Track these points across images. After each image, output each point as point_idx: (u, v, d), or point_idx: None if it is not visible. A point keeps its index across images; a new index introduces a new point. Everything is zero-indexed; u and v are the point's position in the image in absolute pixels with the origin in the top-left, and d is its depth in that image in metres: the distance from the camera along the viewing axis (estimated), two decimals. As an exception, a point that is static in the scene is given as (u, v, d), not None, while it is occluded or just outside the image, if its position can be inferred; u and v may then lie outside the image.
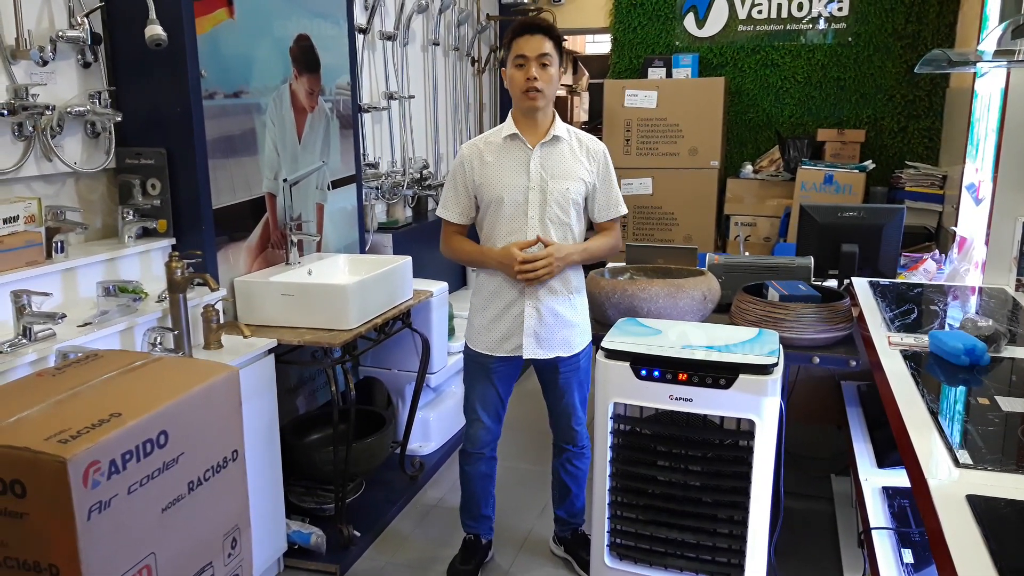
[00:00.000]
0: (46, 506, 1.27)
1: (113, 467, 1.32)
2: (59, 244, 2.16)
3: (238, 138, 2.66)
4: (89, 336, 2.03)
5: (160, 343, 2.23)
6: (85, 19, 2.21)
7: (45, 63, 2.14)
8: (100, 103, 2.30)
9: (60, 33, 2.16)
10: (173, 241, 2.47)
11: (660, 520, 2.04)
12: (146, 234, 2.45)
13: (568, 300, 2.41)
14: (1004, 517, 1.20)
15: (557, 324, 2.40)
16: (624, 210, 2.47)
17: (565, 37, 5.94)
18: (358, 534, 2.78)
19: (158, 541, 1.43)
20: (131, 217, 2.38)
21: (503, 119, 2.42)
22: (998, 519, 1.19)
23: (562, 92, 7.23)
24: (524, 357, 2.41)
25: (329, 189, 3.23)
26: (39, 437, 1.28)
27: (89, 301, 2.21)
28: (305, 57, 3.01)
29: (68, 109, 2.20)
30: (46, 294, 2.03)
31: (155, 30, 2.21)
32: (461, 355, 2.69)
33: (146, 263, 2.41)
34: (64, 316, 2.00)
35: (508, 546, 2.82)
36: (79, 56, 2.27)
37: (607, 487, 2.06)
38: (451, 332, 3.63)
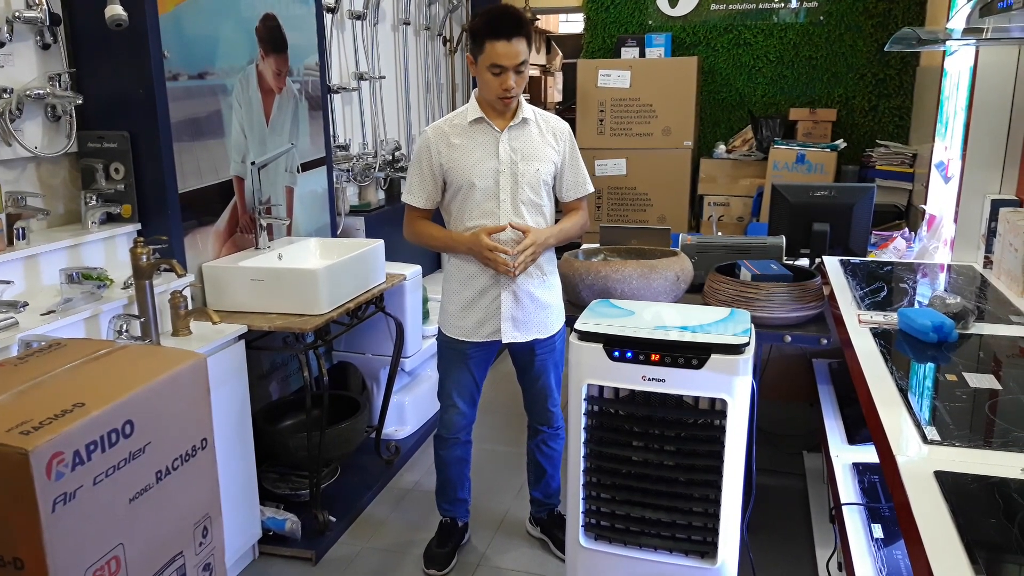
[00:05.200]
0: (9, 499, 1.24)
1: (77, 458, 1.29)
2: (20, 230, 2.11)
3: (204, 120, 2.61)
4: (52, 324, 1.99)
5: (126, 331, 2.19)
6: (43, -1, 2.15)
7: (2, 44, 2.08)
8: (60, 85, 2.25)
9: (17, 13, 2.10)
10: (138, 226, 2.43)
11: (634, 499, 2.05)
12: (110, 219, 2.40)
13: (543, 281, 2.41)
14: (971, 493, 1.21)
15: (534, 306, 2.39)
16: (591, 188, 2.46)
17: (537, 16, 5.86)
18: (333, 519, 2.77)
19: (126, 532, 1.41)
20: (94, 202, 2.33)
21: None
22: (965, 495, 1.20)
23: (536, 72, 7.18)
24: (503, 342, 2.40)
25: (299, 172, 3.19)
26: (0, 429, 1.25)
27: (52, 289, 2.17)
28: (272, 37, 2.95)
29: (27, 92, 2.14)
30: (7, 282, 1.99)
31: (115, 10, 2.15)
32: (435, 339, 2.67)
33: (111, 249, 2.37)
34: (26, 304, 1.97)
35: (485, 528, 2.82)
36: (38, 37, 2.21)
37: (582, 468, 2.06)
38: (425, 315, 3.61)
